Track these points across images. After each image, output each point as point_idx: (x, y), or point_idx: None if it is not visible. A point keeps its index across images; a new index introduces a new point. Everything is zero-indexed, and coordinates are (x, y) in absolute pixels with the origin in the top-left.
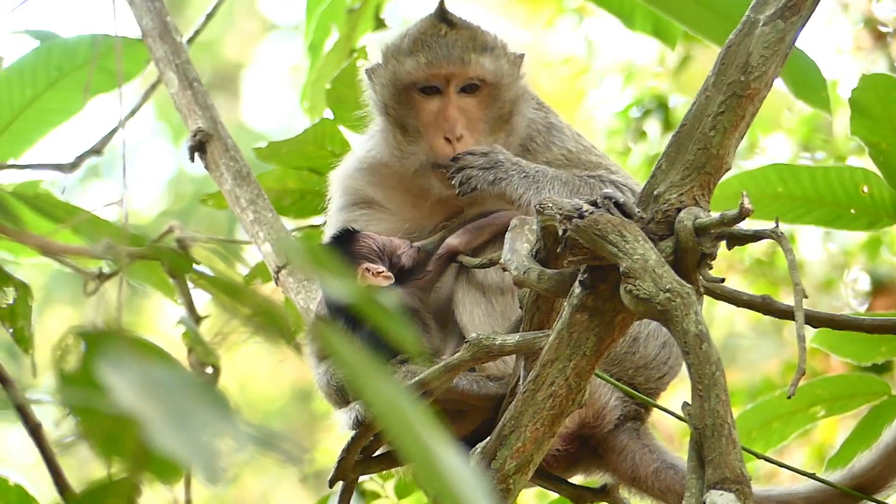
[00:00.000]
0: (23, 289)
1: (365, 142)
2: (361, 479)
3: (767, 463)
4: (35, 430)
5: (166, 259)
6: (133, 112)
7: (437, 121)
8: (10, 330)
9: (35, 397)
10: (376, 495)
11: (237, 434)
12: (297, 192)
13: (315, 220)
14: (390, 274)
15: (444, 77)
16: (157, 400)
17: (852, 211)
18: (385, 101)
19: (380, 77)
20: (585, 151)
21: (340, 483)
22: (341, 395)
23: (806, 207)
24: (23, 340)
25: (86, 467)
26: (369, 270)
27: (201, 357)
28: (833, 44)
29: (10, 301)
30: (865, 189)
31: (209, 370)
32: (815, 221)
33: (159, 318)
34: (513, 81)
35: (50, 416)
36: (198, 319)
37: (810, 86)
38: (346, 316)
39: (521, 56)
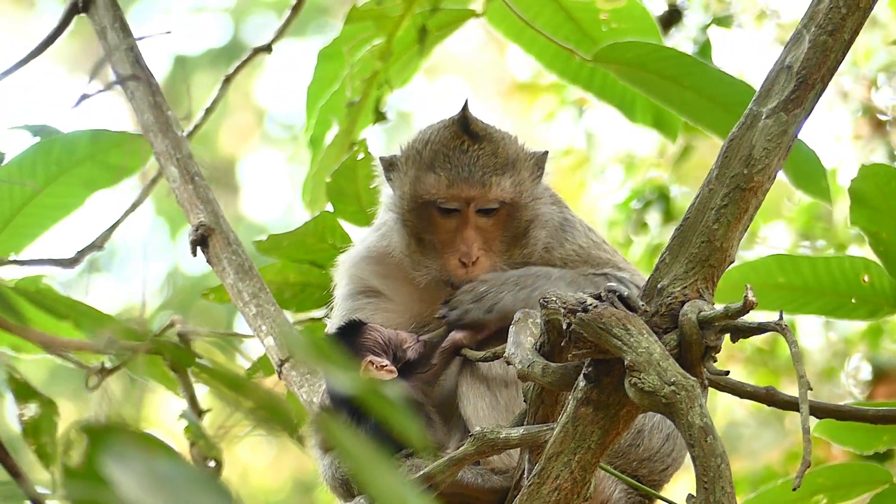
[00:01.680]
0: (48, 405)
1: (374, 230)
2: None
3: None
4: None
5: (169, 353)
6: (134, 207)
7: (454, 241)
8: (33, 445)
9: (41, 491)
10: None
11: None
12: (297, 286)
13: (316, 312)
14: (394, 368)
15: (464, 199)
16: (161, 494)
17: (853, 300)
18: (403, 212)
19: (398, 181)
20: (595, 247)
21: None
22: (346, 487)
23: (807, 297)
24: (45, 456)
25: None
26: (373, 364)
27: (204, 451)
28: (832, 132)
29: (33, 414)
30: (866, 278)
31: (212, 464)
32: (816, 311)
33: (161, 412)
34: (532, 198)
35: None
36: (200, 413)
37: (810, 176)
38: (350, 408)
39: (545, 155)
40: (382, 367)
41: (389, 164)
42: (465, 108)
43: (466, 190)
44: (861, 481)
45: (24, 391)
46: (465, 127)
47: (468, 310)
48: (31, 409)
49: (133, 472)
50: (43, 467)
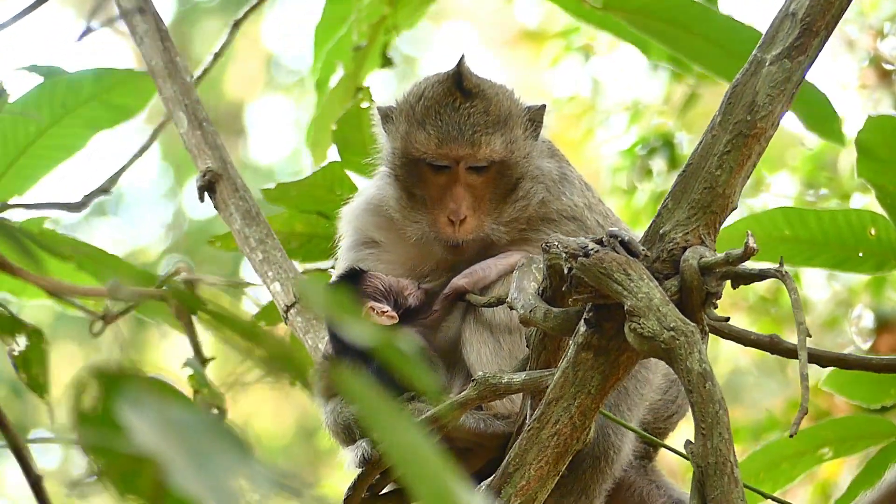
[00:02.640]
0: (35, 335)
1: (374, 182)
2: None
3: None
4: (36, 483)
5: (175, 299)
6: (142, 151)
7: (443, 199)
8: (25, 377)
9: (41, 436)
10: None
11: (255, 474)
12: (304, 236)
13: (322, 263)
14: (395, 314)
15: (453, 158)
16: (175, 440)
17: (860, 254)
18: (395, 166)
19: (392, 134)
20: (590, 208)
21: None
22: (348, 433)
23: (813, 250)
24: (38, 387)
25: None
26: (374, 310)
27: (208, 399)
28: (838, 81)
29: (22, 347)
30: (873, 231)
31: (215, 412)
32: (822, 264)
33: (166, 360)
34: (524, 155)
35: (57, 457)
36: (204, 361)
37: (823, 119)
38: (352, 353)
39: (541, 109)
40: (383, 312)
41: (386, 115)
42: (459, 62)
43: (456, 149)
44: (866, 434)
45: (9, 325)
46: (458, 83)
47: None
48: (20, 343)
49: (148, 418)
50: (38, 397)
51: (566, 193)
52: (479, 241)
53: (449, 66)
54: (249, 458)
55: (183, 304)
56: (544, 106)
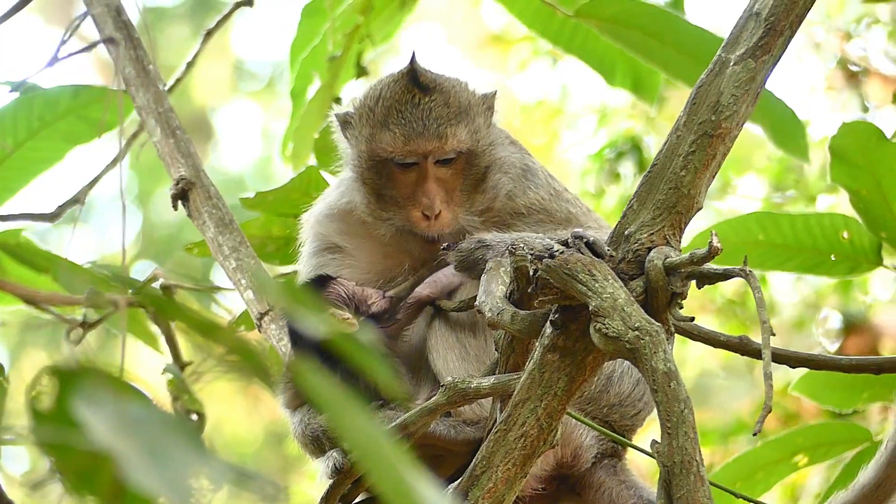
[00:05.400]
0: None
1: (336, 187)
2: None
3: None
4: None
5: (152, 305)
6: (114, 162)
7: (415, 194)
8: None
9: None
10: None
11: (211, 471)
12: (281, 239)
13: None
14: (355, 322)
15: (421, 154)
16: (131, 437)
17: (833, 257)
18: (361, 169)
19: (354, 139)
20: (557, 197)
21: None
22: (317, 444)
23: (787, 254)
24: None
25: None
26: (335, 317)
27: (187, 405)
28: (805, 83)
29: None
30: (845, 235)
31: (194, 417)
32: (796, 268)
33: (141, 367)
34: (488, 143)
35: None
36: (183, 367)
37: (790, 134)
38: (317, 361)
39: (493, 95)
40: (344, 319)
41: (344, 121)
42: (412, 60)
43: (423, 144)
44: (841, 440)
45: None
46: (414, 79)
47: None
48: None
49: (104, 415)
50: None
51: (531, 187)
52: (454, 234)
53: (402, 64)
54: (206, 454)
55: (162, 309)
56: (496, 92)
